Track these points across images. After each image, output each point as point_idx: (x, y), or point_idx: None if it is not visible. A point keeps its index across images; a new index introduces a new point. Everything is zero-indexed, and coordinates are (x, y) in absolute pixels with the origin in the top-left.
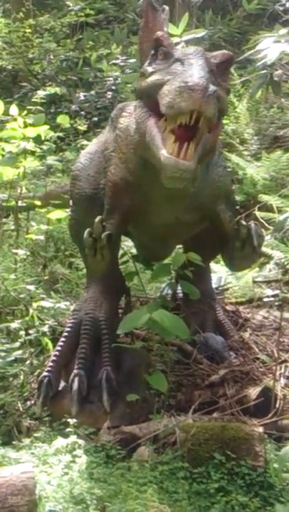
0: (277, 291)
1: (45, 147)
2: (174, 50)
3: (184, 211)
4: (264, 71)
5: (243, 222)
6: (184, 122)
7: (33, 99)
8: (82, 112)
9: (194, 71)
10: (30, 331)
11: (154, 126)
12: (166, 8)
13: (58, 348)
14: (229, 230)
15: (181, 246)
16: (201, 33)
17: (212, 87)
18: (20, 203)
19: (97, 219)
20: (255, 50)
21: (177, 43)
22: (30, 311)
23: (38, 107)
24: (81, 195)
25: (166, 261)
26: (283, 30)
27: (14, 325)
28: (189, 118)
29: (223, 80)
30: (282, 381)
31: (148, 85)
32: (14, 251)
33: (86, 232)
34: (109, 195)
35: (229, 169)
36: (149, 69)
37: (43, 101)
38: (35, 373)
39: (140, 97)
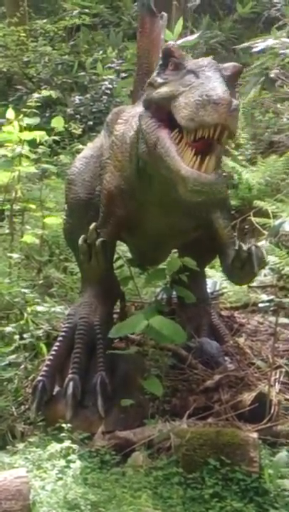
0: (272, 297)
1: (40, 151)
2: (185, 60)
3: (179, 219)
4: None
5: (244, 247)
6: (207, 135)
7: (28, 103)
8: (78, 116)
9: (216, 84)
10: (25, 335)
11: (168, 138)
12: (165, 14)
13: (53, 352)
14: (224, 238)
15: (176, 250)
16: (193, 36)
17: (235, 102)
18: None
19: (92, 226)
20: (254, 43)
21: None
22: (25, 315)
23: (33, 110)
24: (76, 199)
25: (160, 266)
26: (279, 34)
27: (8, 329)
28: (213, 131)
29: (232, 91)
30: (277, 387)
31: (160, 96)
32: (9, 255)
33: (81, 238)
34: (104, 202)
35: (225, 174)
36: (159, 79)
37: (38, 104)
38: (30, 378)
39: (148, 107)
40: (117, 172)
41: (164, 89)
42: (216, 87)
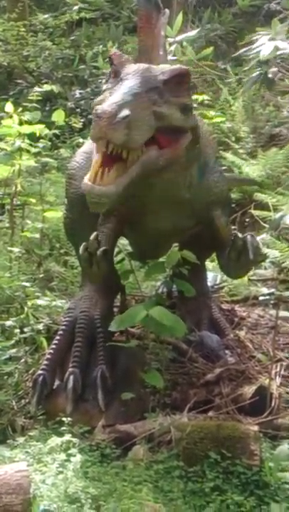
0: (272, 290)
1: (40, 145)
2: (123, 68)
3: (180, 217)
4: (259, 68)
5: (239, 234)
6: (103, 149)
7: (28, 97)
8: (78, 110)
9: (113, 97)
10: (25, 329)
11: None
12: (167, 11)
13: (53, 346)
14: (225, 235)
15: (176, 244)
16: (193, 32)
17: (123, 113)
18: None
19: (93, 236)
20: (249, 47)
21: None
22: (25, 309)
23: (34, 104)
24: (77, 194)
25: (161, 259)
26: (279, 27)
27: (9, 323)
28: (106, 145)
29: (175, 95)
30: (278, 380)
31: (95, 104)
32: (9, 249)
33: (82, 246)
34: None
35: (225, 167)
36: (104, 86)
37: (38, 98)
38: (30, 371)
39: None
40: None
41: (99, 98)
42: (110, 99)
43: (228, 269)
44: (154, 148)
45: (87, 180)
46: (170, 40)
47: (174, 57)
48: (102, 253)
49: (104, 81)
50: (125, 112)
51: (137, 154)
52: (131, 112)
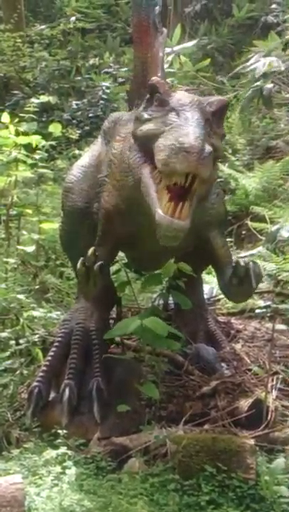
0: (269, 303)
1: (36, 156)
2: (170, 97)
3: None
4: (255, 84)
5: (242, 262)
6: (179, 183)
7: (25, 107)
8: (74, 121)
9: (190, 129)
10: (21, 341)
11: (149, 177)
12: (165, 30)
13: (49, 358)
14: (222, 255)
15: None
16: (191, 43)
17: (208, 148)
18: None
19: (90, 250)
20: (244, 64)
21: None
22: (21, 320)
23: (31, 115)
24: (73, 207)
25: (157, 271)
26: (274, 44)
27: (4, 334)
28: (185, 179)
29: (218, 126)
30: (274, 393)
31: (143, 134)
32: (5, 260)
33: (79, 261)
34: (102, 221)
35: (221, 179)
36: (145, 115)
37: (35, 109)
38: (26, 383)
39: (135, 141)
40: (116, 191)
41: (147, 127)
42: (190, 133)
43: (229, 294)
44: None
45: (162, 213)
46: (168, 50)
47: (173, 70)
48: (99, 268)
49: (141, 108)
50: (209, 148)
51: (201, 191)
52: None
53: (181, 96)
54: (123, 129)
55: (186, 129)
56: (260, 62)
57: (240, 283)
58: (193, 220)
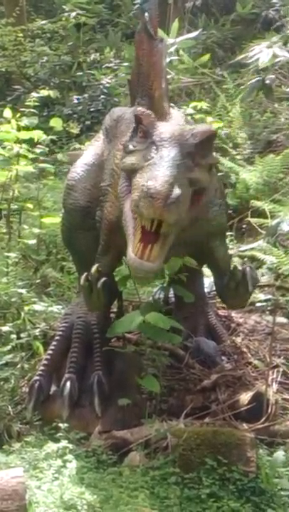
0: (269, 296)
1: (37, 150)
2: (153, 129)
3: (179, 248)
4: (257, 75)
5: (239, 267)
6: (146, 227)
7: (26, 102)
8: (75, 115)
9: (160, 171)
10: (22, 335)
11: (130, 211)
12: (164, 39)
13: (50, 351)
14: (223, 265)
15: None
16: (191, 35)
17: (175, 193)
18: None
19: (94, 267)
20: (247, 54)
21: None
22: (22, 314)
23: (32, 110)
24: (75, 205)
25: None
26: (276, 38)
27: (5, 328)
28: (151, 223)
29: (203, 157)
30: (275, 386)
31: (126, 167)
32: (6, 254)
33: (83, 277)
34: (105, 232)
35: (222, 173)
36: (130, 146)
37: (36, 104)
38: (26, 377)
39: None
40: (118, 202)
41: (130, 160)
42: (158, 176)
43: (226, 298)
44: None
45: (133, 254)
46: (171, 41)
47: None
48: (102, 285)
49: (128, 137)
50: (177, 192)
51: (172, 233)
52: (180, 190)
53: (164, 128)
54: (125, 129)
55: (157, 170)
56: (263, 52)
57: (236, 287)
58: (196, 231)
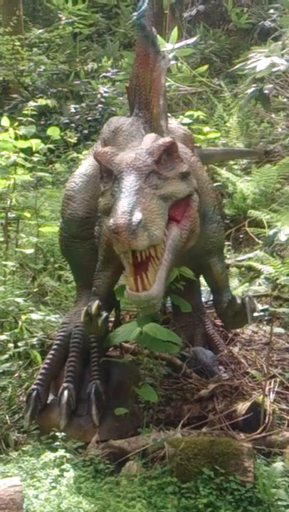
0: (266, 306)
1: (35, 159)
2: (112, 164)
3: (177, 264)
4: (254, 85)
5: (238, 300)
6: (129, 261)
7: (23, 111)
8: (73, 124)
9: (118, 205)
10: (19, 344)
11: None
12: (167, 56)
13: (47, 360)
14: (220, 281)
15: None
16: (191, 40)
17: (136, 219)
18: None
19: (95, 304)
20: (244, 63)
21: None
22: (19, 323)
23: (29, 119)
24: (74, 216)
25: None
26: (274, 45)
27: (3, 337)
28: (132, 255)
29: (169, 169)
30: (272, 396)
31: (101, 209)
32: (3, 263)
33: (83, 311)
34: (104, 247)
35: (219, 183)
36: (101, 188)
37: (33, 113)
38: (24, 386)
39: None
40: None
41: (102, 201)
42: (117, 209)
43: (224, 321)
44: (173, 226)
45: (129, 290)
46: (166, 49)
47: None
48: (102, 321)
49: (98, 179)
50: (137, 217)
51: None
52: (142, 213)
53: (120, 159)
54: (123, 141)
55: (116, 204)
56: (260, 60)
57: (234, 315)
58: (195, 247)
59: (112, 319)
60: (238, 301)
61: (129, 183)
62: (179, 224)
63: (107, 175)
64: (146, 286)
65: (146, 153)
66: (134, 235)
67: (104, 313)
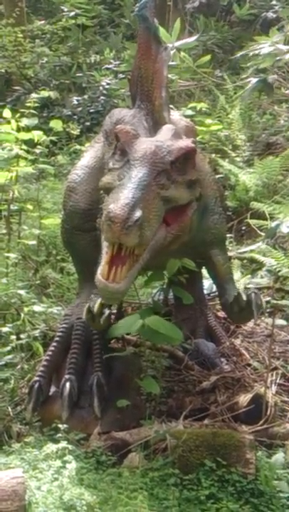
0: (268, 298)
1: (37, 151)
2: (130, 146)
3: (178, 254)
4: (257, 76)
5: (243, 296)
6: (109, 251)
7: (26, 103)
8: (75, 116)
9: (123, 194)
10: (22, 336)
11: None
12: (169, 47)
13: (49, 352)
14: (222, 273)
15: None
16: (192, 38)
17: (135, 216)
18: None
19: (97, 303)
20: (248, 51)
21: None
22: (22, 315)
23: (31, 111)
24: (76, 208)
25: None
26: (277, 36)
27: (5, 329)
28: (112, 247)
29: (181, 173)
30: (274, 388)
31: (102, 186)
32: (6, 255)
33: (85, 309)
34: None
35: (221, 175)
36: (110, 164)
37: (36, 105)
38: (26, 378)
39: None
40: None
41: (106, 179)
42: (120, 199)
43: (229, 316)
44: (162, 227)
45: (100, 276)
46: (169, 45)
47: (174, 63)
48: (104, 320)
49: (110, 155)
50: (137, 214)
51: (140, 254)
52: (142, 211)
53: (139, 146)
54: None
55: (121, 192)
56: (264, 48)
57: (240, 311)
58: (196, 239)
59: (114, 311)
60: (244, 297)
61: (141, 174)
62: (167, 227)
63: (121, 154)
64: (118, 279)
65: (166, 150)
66: (128, 230)
67: (107, 311)
